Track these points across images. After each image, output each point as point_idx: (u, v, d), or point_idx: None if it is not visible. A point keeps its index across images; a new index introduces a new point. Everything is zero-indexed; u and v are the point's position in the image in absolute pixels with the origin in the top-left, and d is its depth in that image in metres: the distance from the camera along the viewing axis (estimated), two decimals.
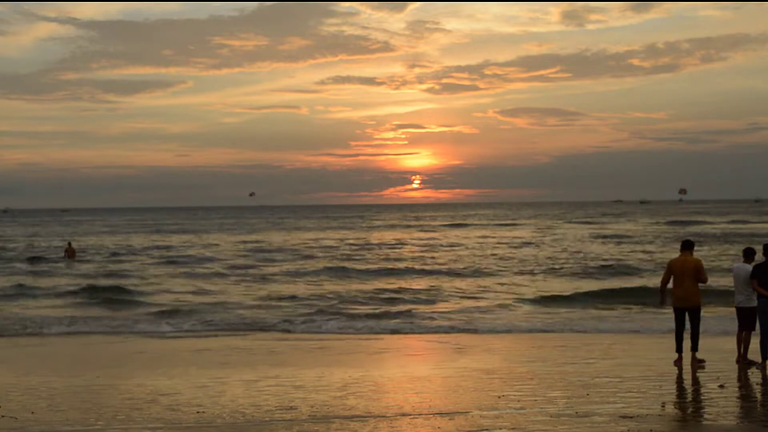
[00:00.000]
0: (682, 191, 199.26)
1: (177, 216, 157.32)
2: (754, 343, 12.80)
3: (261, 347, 16.06)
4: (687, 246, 13.09)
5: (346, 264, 39.42)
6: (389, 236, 68.65)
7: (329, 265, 38.80)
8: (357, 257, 44.54)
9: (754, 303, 12.76)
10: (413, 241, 59.76)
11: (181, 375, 12.65)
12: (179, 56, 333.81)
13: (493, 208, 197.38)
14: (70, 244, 47.15)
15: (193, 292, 27.95)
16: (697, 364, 12.76)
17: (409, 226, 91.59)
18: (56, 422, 9.43)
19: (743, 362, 12.74)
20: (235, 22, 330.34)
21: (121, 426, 9.25)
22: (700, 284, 12.86)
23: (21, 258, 45.92)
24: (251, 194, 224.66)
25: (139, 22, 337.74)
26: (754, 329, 12.76)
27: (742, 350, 12.86)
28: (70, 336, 18.57)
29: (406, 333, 18.53)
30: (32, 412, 9.92)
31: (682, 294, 12.84)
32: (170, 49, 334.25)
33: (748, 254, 12.99)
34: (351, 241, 60.52)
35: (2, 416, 9.67)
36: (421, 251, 48.60)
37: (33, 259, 44.31)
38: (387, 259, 42.58)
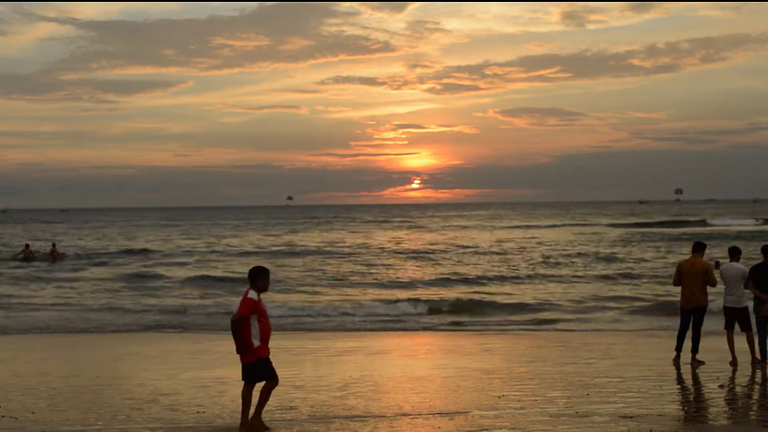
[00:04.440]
0: (678, 191, 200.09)
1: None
2: (741, 342, 12.80)
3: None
4: (697, 248, 13.06)
5: None
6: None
7: None
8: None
9: (745, 304, 12.73)
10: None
11: (181, 375, 12.64)
12: (179, 56, 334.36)
13: (495, 208, 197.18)
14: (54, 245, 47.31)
15: None
16: (696, 364, 12.78)
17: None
18: (56, 422, 9.42)
19: (753, 362, 12.68)
20: (236, 22, 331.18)
21: (121, 426, 9.24)
22: (708, 287, 12.89)
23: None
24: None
25: (139, 22, 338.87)
26: (751, 329, 12.74)
27: (750, 351, 12.78)
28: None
29: None
30: (32, 412, 9.91)
31: (689, 295, 12.86)
32: (170, 49, 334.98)
33: (734, 253, 12.94)
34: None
35: (2, 416, 9.66)
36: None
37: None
38: None
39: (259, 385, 8.95)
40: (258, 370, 8.80)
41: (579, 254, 43.44)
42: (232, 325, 8.70)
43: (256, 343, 8.74)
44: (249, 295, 8.75)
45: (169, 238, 71.50)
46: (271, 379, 8.87)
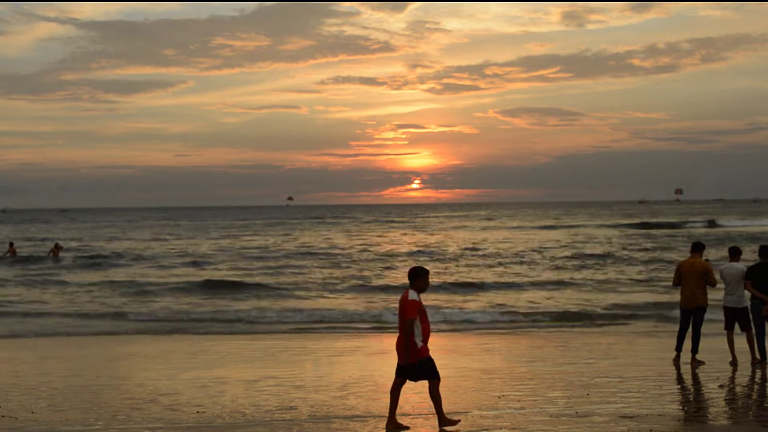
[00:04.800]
0: (678, 191, 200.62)
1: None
2: (741, 342, 12.79)
3: (260, 347, 16.07)
4: (697, 248, 13.06)
5: None
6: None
7: None
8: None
9: (745, 304, 12.72)
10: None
11: (181, 375, 12.64)
12: (179, 56, 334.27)
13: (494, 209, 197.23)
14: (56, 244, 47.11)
15: None
16: (696, 364, 12.77)
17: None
18: (56, 422, 9.43)
19: (753, 362, 12.67)
20: (236, 22, 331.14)
21: (121, 426, 9.25)
22: (708, 287, 12.87)
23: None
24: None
25: (139, 22, 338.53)
26: (751, 329, 12.73)
27: (750, 351, 12.77)
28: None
29: None
30: (32, 412, 9.92)
31: (689, 295, 12.85)
32: (170, 49, 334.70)
33: (735, 253, 12.93)
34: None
35: (2, 416, 9.66)
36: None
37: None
38: None
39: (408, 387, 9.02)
40: (422, 369, 8.90)
41: (596, 255, 42.08)
42: (405, 328, 8.78)
43: (419, 343, 8.84)
44: (411, 297, 8.83)
45: (169, 238, 71.49)
46: (434, 378, 8.95)
